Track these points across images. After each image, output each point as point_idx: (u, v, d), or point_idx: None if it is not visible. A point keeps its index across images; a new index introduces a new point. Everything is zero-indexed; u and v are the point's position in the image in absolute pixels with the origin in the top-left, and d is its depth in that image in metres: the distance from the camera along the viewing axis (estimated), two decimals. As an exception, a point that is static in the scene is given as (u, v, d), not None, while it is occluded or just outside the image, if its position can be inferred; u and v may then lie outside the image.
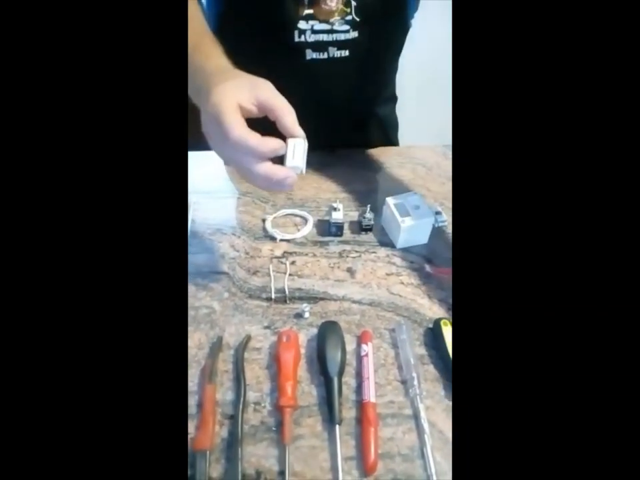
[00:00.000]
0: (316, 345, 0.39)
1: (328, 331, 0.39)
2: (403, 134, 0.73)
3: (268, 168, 0.32)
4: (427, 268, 0.46)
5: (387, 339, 0.41)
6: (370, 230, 0.50)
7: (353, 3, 0.49)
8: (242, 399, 0.35)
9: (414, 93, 0.94)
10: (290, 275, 0.46)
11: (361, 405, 0.35)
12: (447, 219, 0.48)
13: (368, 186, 0.56)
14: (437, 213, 0.48)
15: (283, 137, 0.34)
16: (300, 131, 0.34)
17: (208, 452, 0.32)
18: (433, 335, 0.40)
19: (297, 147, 0.34)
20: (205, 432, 0.33)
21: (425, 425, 0.34)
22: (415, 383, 0.36)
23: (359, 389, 0.37)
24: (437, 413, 0.36)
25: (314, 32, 0.50)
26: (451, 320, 0.40)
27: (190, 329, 0.41)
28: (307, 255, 0.48)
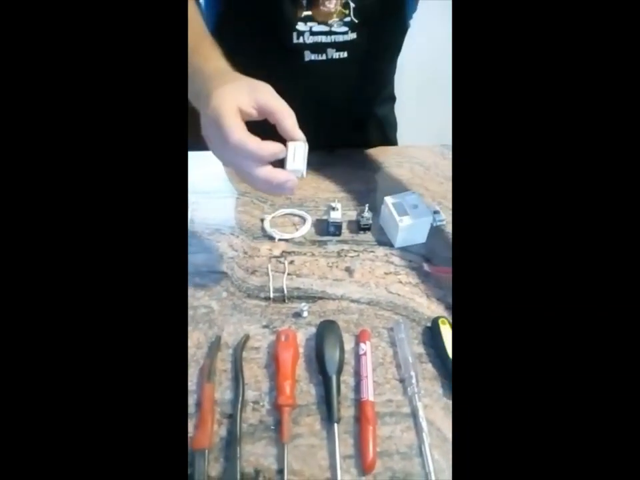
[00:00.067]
0: (314, 344, 0.39)
1: (326, 330, 0.39)
2: (401, 134, 0.73)
3: (268, 172, 0.32)
4: (425, 267, 0.46)
5: (386, 337, 0.41)
6: (368, 229, 0.50)
7: (352, 5, 0.49)
8: (240, 398, 0.36)
9: (412, 93, 0.95)
10: (288, 274, 0.46)
11: (359, 403, 0.36)
12: (445, 218, 0.49)
13: (366, 185, 0.56)
14: (435, 212, 0.48)
15: (283, 140, 0.34)
16: (300, 134, 0.34)
17: (207, 451, 0.32)
18: (431, 334, 0.40)
19: (298, 150, 0.34)
20: (203, 431, 0.33)
21: (423, 423, 0.34)
22: (413, 381, 0.36)
23: (358, 388, 0.37)
24: (435, 411, 0.36)
25: (312, 33, 0.50)
26: (449, 319, 0.41)
27: (189, 328, 0.41)
28: (305, 254, 0.48)
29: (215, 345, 0.39)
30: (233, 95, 0.32)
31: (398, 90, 0.70)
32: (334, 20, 0.50)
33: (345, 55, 0.52)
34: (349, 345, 0.40)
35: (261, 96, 0.33)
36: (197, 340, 0.40)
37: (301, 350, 0.39)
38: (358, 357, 0.38)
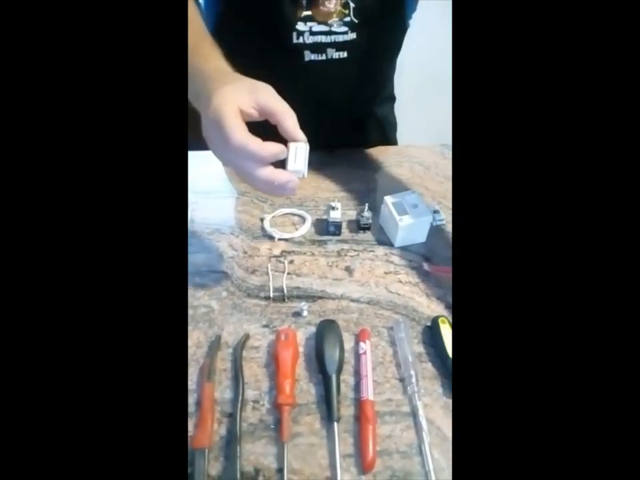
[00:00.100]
0: (314, 343, 0.39)
1: (326, 330, 0.39)
2: (401, 134, 0.73)
3: (269, 172, 0.32)
4: (425, 266, 0.46)
5: (385, 337, 0.41)
6: (368, 229, 0.50)
7: (351, 5, 0.49)
8: (240, 397, 0.36)
9: (412, 93, 0.95)
10: (288, 273, 0.46)
11: (359, 402, 0.36)
12: (444, 218, 0.49)
13: (366, 185, 0.57)
14: (435, 211, 0.48)
15: (284, 141, 0.34)
16: (301, 135, 0.34)
17: (207, 450, 0.32)
18: (430, 333, 0.40)
19: (299, 151, 0.34)
20: (203, 430, 0.33)
21: (423, 422, 0.34)
22: (413, 380, 0.36)
23: (357, 387, 0.37)
24: (435, 410, 0.36)
25: (312, 33, 0.50)
26: (449, 318, 0.41)
27: (188, 327, 0.41)
28: (305, 253, 0.48)
29: (215, 344, 0.39)
30: (233, 96, 0.32)
31: (398, 90, 0.70)
32: (334, 20, 0.50)
33: (344, 54, 0.52)
34: (348, 344, 0.40)
35: (262, 97, 0.33)
36: (197, 339, 0.40)
37: (301, 349, 0.39)
38: (358, 356, 0.39)
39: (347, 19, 0.50)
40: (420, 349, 0.40)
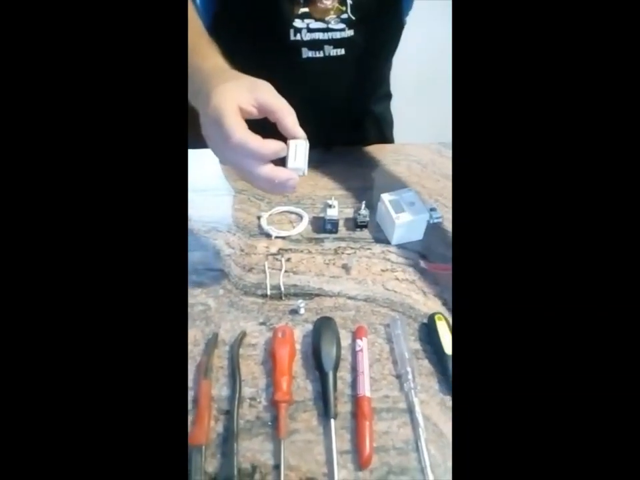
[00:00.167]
0: (311, 341, 0.39)
1: (323, 327, 0.39)
2: (398, 132, 0.73)
3: (270, 170, 0.32)
4: (422, 264, 0.46)
5: (382, 334, 0.41)
6: (365, 227, 0.50)
7: (349, 2, 0.49)
8: (237, 394, 0.36)
9: (409, 91, 0.95)
10: (285, 271, 0.46)
11: (356, 399, 0.36)
12: (441, 215, 0.49)
13: (363, 183, 0.57)
14: (432, 209, 0.48)
15: (284, 138, 0.34)
16: (301, 132, 0.33)
17: (204, 447, 0.33)
18: (427, 330, 0.41)
19: (299, 148, 0.34)
20: (200, 427, 0.33)
21: (420, 419, 0.34)
22: (410, 377, 0.36)
23: (354, 384, 0.37)
24: (431, 406, 0.36)
25: (310, 30, 0.50)
26: (445, 315, 0.41)
27: (185, 325, 0.41)
28: (302, 251, 0.48)
29: (212, 342, 0.39)
30: (233, 94, 0.32)
31: (394, 88, 0.70)
32: (331, 17, 0.49)
33: (342, 52, 0.52)
34: (345, 342, 0.40)
35: (261, 94, 0.33)
36: (193, 337, 0.40)
37: (298, 346, 0.39)
38: (354, 353, 0.39)
39: (344, 15, 0.50)
40: (416, 345, 0.40)
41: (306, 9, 0.49)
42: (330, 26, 0.50)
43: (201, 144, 0.35)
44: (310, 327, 0.41)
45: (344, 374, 0.38)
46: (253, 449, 0.33)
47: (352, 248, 0.49)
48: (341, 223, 0.51)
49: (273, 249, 0.48)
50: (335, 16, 0.50)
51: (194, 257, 0.47)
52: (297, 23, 0.49)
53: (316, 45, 0.51)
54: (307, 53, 0.52)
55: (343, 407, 0.36)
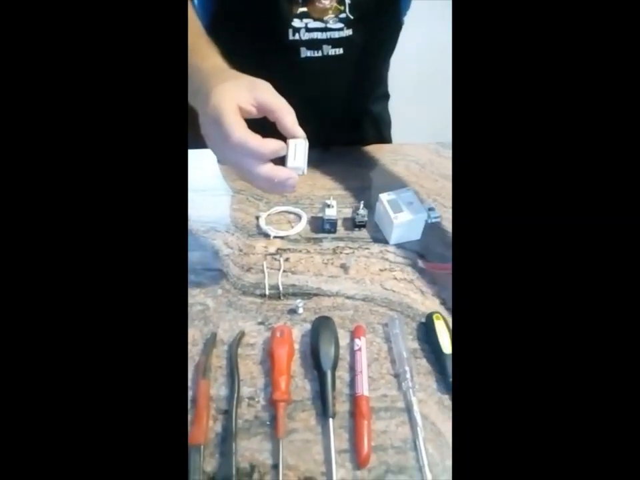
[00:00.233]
0: (310, 340, 0.39)
1: (321, 326, 0.39)
2: (396, 132, 0.74)
3: (269, 169, 0.32)
4: (420, 263, 0.46)
5: (380, 333, 0.41)
6: (363, 226, 0.50)
7: (347, 1, 0.49)
8: (236, 394, 0.36)
9: (407, 91, 0.95)
10: (284, 271, 0.46)
11: (354, 398, 0.36)
12: (440, 215, 0.49)
13: (362, 183, 0.57)
14: (430, 209, 0.49)
15: (283, 138, 0.34)
16: (300, 131, 0.33)
17: (202, 446, 0.33)
18: (425, 329, 0.41)
19: (298, 148, 0.34)
20: (199, 427, 0.33)
21: (418, 418, 0.35)
22: (408, 376, 0.37)
23: (353, 383, 0.37)
24: (429, 405, 0.36)
25: (308, 30, 0.50)
26: (443, 314, 0.41)
27: (184, 325, 0.41)
28: (300, 251, 0.48)
29: (211, 342, 0.39)
30: (232, 93, 0.32)
31: (393, 88, 0.70)
32: (329, 16, 0.49)
33: (340, 51, 0.52)
34: (344, 341, 0.40)
35: (260, 94, 0.33)
36: (192, 337, 0.40)
37: (296, 346, 0.40)
38: (353, 353, 0.39)
39: (343, 15, 0.50)
40: (414, 345, 0.40)
41: (304, 9, 0.49)
42: (328, 25, 0.50)
43: (200, 144, 0.35)
44: (308, 326, 0.41)
45: (342, 373, 0.38)
46: (251, 449, 0.33)
47: (350, 248, 0.49)
48: (340, 222, 0.51)
49: (272, 249, 0.48)
50: (333, 15, 0.50)
51: (192, 256, 0.47)
52: (296, 22, 0.49)
53: (314, 44, 0.51)
54: (305, 53, 0.52)
55: (341, 406, 0.36)
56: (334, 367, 0.37)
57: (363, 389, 0.36)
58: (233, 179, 0.56)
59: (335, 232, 0.50)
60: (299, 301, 0.42)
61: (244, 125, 0.32)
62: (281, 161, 0.34)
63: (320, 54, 0.52)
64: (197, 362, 0.38)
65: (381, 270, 0.46)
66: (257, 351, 0.39)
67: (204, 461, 0.32)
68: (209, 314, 0.42)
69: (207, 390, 0.36)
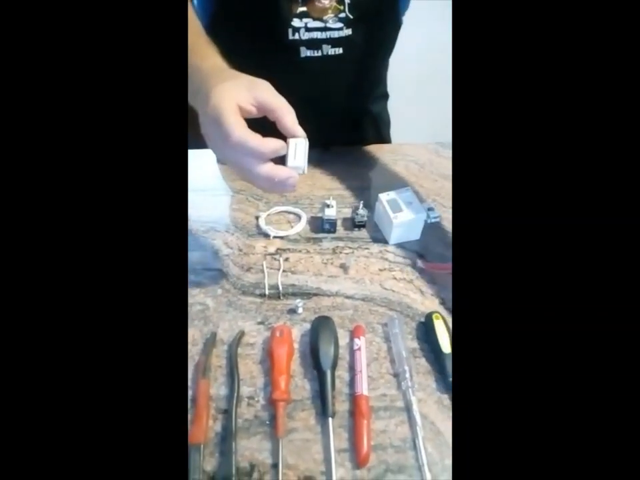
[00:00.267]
0: (309, 340, 0.39)
1: (321, 326, 0.39)
2: (395, 131, 0.74)
3: (270, 169, 0.32)
4: (420, 263, 0.46)
5: (380, 333, 0.41)
6: (363, 226, 0.50)
7: (347, 1, 0.49)
8: (236, 393, 0.36)
9: (407, 91, 0.95)
10: (283, 271, 0.46)
11: (353, 398, 0.36)
12: (439, 215, 0.49)
13: (361, 183, 0.57)
14: (430, 209, 0.49)
15: (283, 137, 0.34)
16: (300, 131, 0.33)
17: (202, 446, 0.33)
18: (424, 329, 0.41)
19: (299, 147, 0.34)
20: (199, 426, 0.33)
21: (417, 417, 0.35)
22: (407, 375, 0.37)
23: (352, 382, 0.37)
24: (428, 405, 0.36)
25: (308, 29, 0.50)
26: (443, 314, 0.41)
27: (184, 324, 0.41)
28: (300, 251, 0.48)
29: (210, 342, 0.39)
30: (232, 93, 0.32)
31: (393, 88, 0.70)
32: (329, 16, 0.49)
33: (340, 51, 0.52)
34: (343, 341, 0.40)
35: (260, 93, 0.33)
36: (192, 337, 0.40)
37: (296, 346, 0.40)
38: (352, 352, 0.39)
39: (342, 14, 0.50)
40: (414, 344, 0.40)
41: (304, 8, 0.49)
42: (328, 25, 0.50)
43: (200, 144, 0.35)
44: (308, 326, 0.41)
45: (342, 373, 0.38)
46: (251, 448, 0.33)
47: (350, 247, 0.49)
48: (339, 222, 0.51)
49: (271, 249, 0.48)
50: (332, 15, 0.50)
51: (192, 256, 0.47)
52: (295, 22, 0.49)
53: (314, 44, 0.51)
54: (305, 52, 0.52)
55: (341, 406, 0.36)
56: (333, 367, 0.37)
57: (363, 388, 0.36)
58: (232, 179, 0.56)
59: (334, 232, 0.50)
60: (298, 300, 0.42)
61: (244, 124, 0.32)
62: (281, 160, 0.34)
63: (319, 53, 0.52)
64: (196, 361, 0.38)
65: (380, 270, 0.47)
66: (257, 351, 0.39)
67: (204, 460, 0.32)
68: (209, 314, 0.42)
69: (206, 389, 0.36)
